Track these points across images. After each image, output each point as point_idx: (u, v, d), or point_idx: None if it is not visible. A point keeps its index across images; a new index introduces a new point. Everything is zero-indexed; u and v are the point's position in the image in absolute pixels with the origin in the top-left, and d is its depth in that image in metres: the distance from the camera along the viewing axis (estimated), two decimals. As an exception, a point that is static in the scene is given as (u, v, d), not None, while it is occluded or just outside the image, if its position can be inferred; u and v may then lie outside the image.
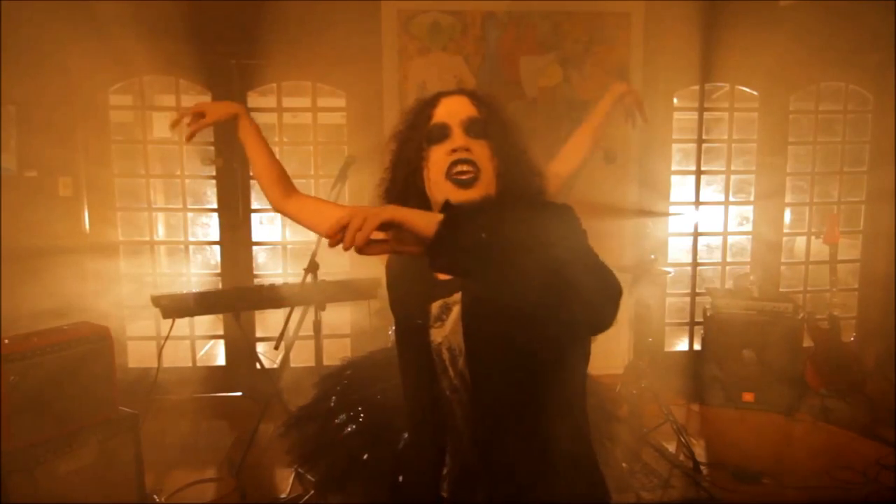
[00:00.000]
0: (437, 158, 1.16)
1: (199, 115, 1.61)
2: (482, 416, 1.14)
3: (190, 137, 1.64)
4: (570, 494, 1.16)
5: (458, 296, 1.15)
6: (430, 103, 1.22)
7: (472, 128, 1.17)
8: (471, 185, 1.14)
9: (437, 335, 1.17)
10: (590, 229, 1.22)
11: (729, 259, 4.63)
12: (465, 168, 1.13)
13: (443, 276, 1.18)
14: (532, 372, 1.12)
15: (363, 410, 1.71)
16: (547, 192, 1.23)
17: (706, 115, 4.43)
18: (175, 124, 1.66)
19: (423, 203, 1.20)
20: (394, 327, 1.33)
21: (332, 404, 1.77)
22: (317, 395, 1.94)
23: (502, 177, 1.16)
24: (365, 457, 1.53)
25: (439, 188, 1.16)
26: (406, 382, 1.28)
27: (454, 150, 1.15)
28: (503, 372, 1.12)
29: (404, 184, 1.21)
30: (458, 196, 1.13)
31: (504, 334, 1.10)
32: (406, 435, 1.41)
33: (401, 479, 1.40)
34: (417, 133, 1.20)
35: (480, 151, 1.16)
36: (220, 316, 4.06)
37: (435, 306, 1.18)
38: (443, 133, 1.18)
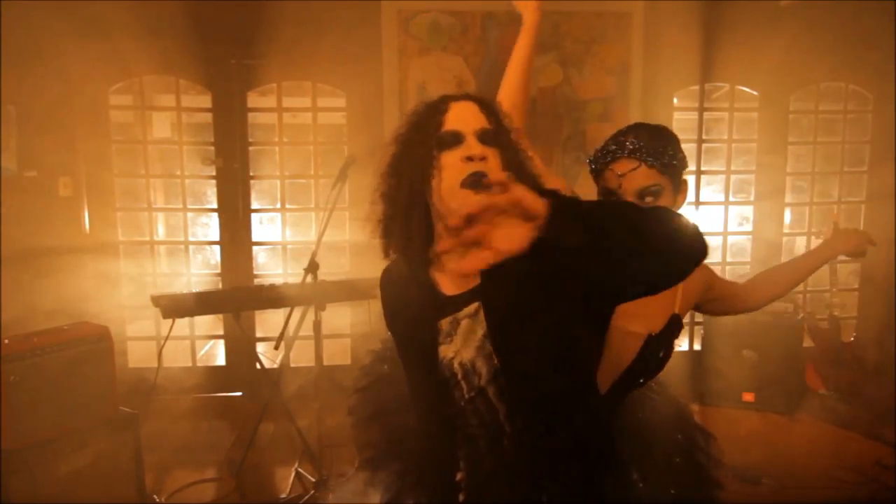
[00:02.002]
0: (451, 164, 1.13)
1: None
2: (514, 416, 1.14)
3: None
4: (590, 493, 1.17)
5: (466, 310, 1.15)
6: (439, 108, 1.18)
7: (485, 137, 1.15)
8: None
9: (448, 350, 1.16)
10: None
11: (729, 259, 4.63)
12: (481, 178, 1.10)
13: (450, 292, 1.17)
14: (560, 370, 1.13)
15: None
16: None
17: (706, 115, 4.42)
18: None
19: (425, 211, 1.18)
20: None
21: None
22: (371, 384, 1.75)
23: None
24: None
25: (453, 195, 1.12)
26: (416, 396, 1.28)
27: (470, 158, 1.12)
28: (531, 374, 1.12)
29: (409, 190, 1.17)
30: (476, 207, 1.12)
31: (530, 337, 1.10)
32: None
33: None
34: (427, 138, 1.17)
35: (494, 161, 1.13)
36: (220, 316, 4.06)
37: (444, 323, 1.17)
38: (456, 139, 1.14)
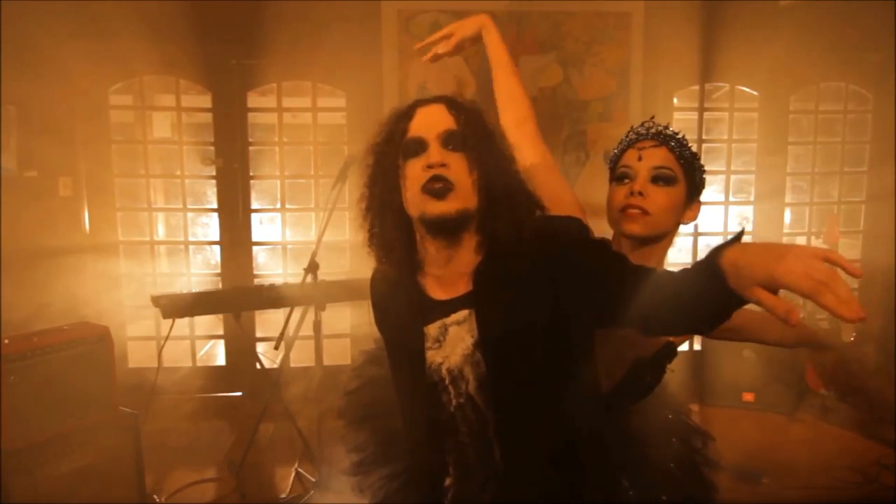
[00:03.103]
0: (414, 174, 1.11)
1: (446, 36, 1.62)
2: (500, 427, 1.13)
3: (437, 58, 1.65)
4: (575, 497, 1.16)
5: (455, 316, 1.14)
6: (406, 115, 1.17)
7: (450, 140, 1.12)
8: (444, 196, 1.08)
9: (436, 356, 1.15)
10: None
11: (729, 259, 4.62)
12: (438, 185, 1.09)
13: (439, 297, 1.16)
14: (547, 380, 1.12)
15: None
16: (537, 203, 1.19)
17: (706, 115, 4.43)
18: (421, 47, 1.67)
19: (402, 219, 1.16)
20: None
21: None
22: (363, 386, 1.73)
23: (484, 189, 1.11)
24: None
25: (415, 203, 1.12)
26: (403, 401, 1.26)
27: (429, 166, 1.10)
28: (520, 385, 1.11)
29: (381, 200, 1.17)
30: (433, 208, 1.09)
31: (521, 347, 1.10)
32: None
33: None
34: (394, 147, 1.15)
35: (458, 165, 1.10)
36: (220, 316, 4.06)
37: (432, 328, 1.16)
38: (419, 147, 1.12)
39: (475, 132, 1.14)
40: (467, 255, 1.14)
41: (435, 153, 1.10)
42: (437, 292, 1.17)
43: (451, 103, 1.17)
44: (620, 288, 1.00)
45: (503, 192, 1.13)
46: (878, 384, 3.71)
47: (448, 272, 1.16)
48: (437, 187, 1.08)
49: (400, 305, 1.21)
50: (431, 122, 1.14)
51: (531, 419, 1.12)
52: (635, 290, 0.97)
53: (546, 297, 1.07)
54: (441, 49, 1.64)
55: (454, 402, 1.15)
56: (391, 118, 1.20)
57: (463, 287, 1.14)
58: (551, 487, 1.14)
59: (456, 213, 1.09)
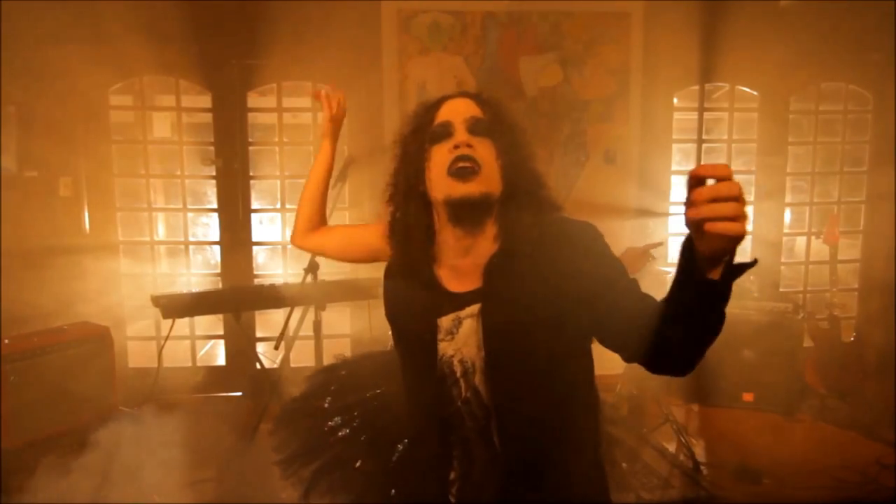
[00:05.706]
0: (439, 156, 1.15)
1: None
2: (501, 422, 1.14)
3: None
4: (575, 494, 1.17)
5: (470, 309, 1.14)
6: (433, 106, 1.21)
7: (476, 126, 1.16)
8: (470, 178, 1.11)
9: (448, 348, 1.16)
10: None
11: (729, 259, 4.62)
12: (465, 165, 1.11)
13: (454, 289, 1.17)
14: (548, 377, 1.13)
15: (359, 415, 1.61)
16: (555, 203, 1.21)
17: (706, 115, 4.42)
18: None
19: (424, 207, 1.19)
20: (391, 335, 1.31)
21: (327, 405, 1.68)
22: (307, 391, 1.86)
23: (508, 177, 1.15)
24: (357, 464, 1.46)
25: (439, 185, 1.14)
26: (410, 392, 1.27)
27: (456, 146, 1.13)
28: (522, 380, 1.12)
29: (406, 185, 1.20)
30: (458, 189, 1.11)
31: (524, 344, 1.11)
32: (403, 443, 1.41)
33: (393, 491, 1.39)
34: (420, 134, 1.19)
35: (484, 148, 1.14)
36: (220, 316, 4.06)
37: (445, 320, 1.17)
38: (445, 131, 1.16)
39: (500, 121, 1.18)
40: (486, 245, 1.16)
41: (461, 134, 1.14)
42: (453, 284, 1.18)
43: (477, 97, 1.22)
44: (620, 310, 1.01)
45: (525, 184, 1.16)
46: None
47: (465, 263, 1.17)
48: (465, 167, 1.11)
49: (414, 297, 1.22)
50: (458, 110, 1.18)
51: (529, 413, 1.13)
52: (634, 316, 0.98)
53: (551, 298, 1.08)
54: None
55: (462, 395, 1.16)
56: (418, 110, 1.24)
57: (478, 280, 1.15)
58: (550, 480, 1.15)
59: (480, 196, 1.11)
